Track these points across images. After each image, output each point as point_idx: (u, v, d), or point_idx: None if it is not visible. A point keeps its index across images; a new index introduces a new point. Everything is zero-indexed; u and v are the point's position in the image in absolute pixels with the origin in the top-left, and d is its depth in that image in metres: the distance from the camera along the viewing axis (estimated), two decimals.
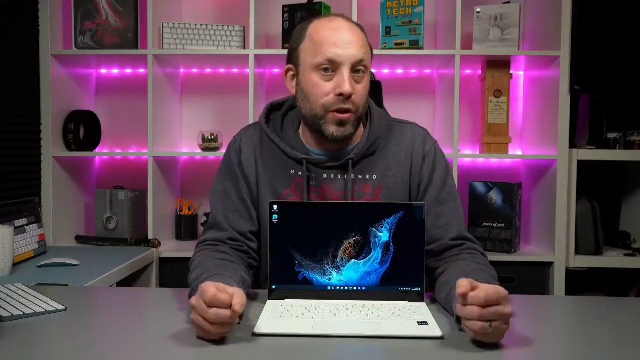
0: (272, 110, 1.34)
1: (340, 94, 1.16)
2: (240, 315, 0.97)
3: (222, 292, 0.88)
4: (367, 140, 1.25)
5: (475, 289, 0.87)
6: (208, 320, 0.87)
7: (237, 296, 0.89)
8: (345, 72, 1.16)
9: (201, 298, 0.87)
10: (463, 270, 1.08)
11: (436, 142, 1.31)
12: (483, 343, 0.88)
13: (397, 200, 1.25)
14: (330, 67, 1.17)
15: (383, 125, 1.29)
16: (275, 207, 1.10)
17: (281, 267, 1.10)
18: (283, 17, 2.27)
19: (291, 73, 1.26)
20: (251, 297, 1.15)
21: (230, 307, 0.86)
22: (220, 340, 0.89)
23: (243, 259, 1.21)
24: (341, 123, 1.18)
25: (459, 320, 0.95)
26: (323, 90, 1.18)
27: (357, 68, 1.18)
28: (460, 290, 0.85)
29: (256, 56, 2.21)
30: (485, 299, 0.83)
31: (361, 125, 1.29)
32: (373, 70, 1.49)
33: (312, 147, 1.27)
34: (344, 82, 1.15)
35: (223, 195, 1.28)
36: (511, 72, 2.30)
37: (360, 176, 1.25)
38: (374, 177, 1.25)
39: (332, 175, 1.25)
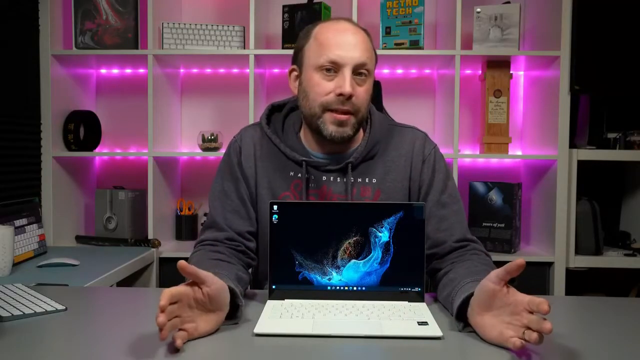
0: (273, 111, 1.35)
1: (340, 94, 1.16)
2: (236, 309, 0.97)
3: (198, 291, 0.89)
4: (367, 144, 1.25)
5: (505, 294, 0.87)
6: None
7: (217, 295, 0.90)
8: (347, 73, 1.16)
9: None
10: (470, 269, 1.08)
11: (436, 145, 1.31)
12: (484, 342, 0.88)
13: None
14: (333, 68, 1.17)
15: (383, 129, 1.29)
16: (275, 207, 1.10)
17: (281, 267, 1.10)
18: (283, 17, 2.27)
19: (295, 74, 1.27)
20: (251, 297, 1.15)
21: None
22: (210, 342, 0.89)
23: (240, 258, 1.21)
24: (340, 124, 1.18)
25: (459, 319, 0.95)
26: (324, 89, 1.18)
27: (359, 71, 1.18)
28: (544, 307, 0.80)
29: (256, 56, 2.21)
30: (529, 303, 0.83)
31: (361, 129, 1.30)
32: None
33: (313, 149, 1.28)
34: (345, 82, 1.16)
35: (222, 195, 1.28)
36: (511, 72, 2.30)
37: (359, 179, 1.25)
38: (374, 180, 1.26)
39: (332, 178, 1.25)
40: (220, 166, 1.32)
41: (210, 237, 1.23)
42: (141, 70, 2.51)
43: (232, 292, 0.96)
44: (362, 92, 1.19)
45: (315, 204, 1.18)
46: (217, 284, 0.92)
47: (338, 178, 1.25)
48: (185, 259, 1.09)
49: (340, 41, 1.17)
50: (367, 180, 1.25)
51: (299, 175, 1.25)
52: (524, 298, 0.85)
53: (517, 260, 0.84)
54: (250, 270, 1.26)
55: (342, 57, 1.16)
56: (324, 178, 1.25)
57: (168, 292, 0.84)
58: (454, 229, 1.22)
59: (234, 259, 1.18)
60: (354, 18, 2.14)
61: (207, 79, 2.56)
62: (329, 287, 1.09)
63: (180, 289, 0.88)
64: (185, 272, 0.87)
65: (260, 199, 1.27)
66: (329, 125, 1.19)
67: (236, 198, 1.27)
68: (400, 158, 1.27)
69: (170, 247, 2.30)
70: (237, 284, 1.04)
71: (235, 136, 1.33)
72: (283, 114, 1.32)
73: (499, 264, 1.19)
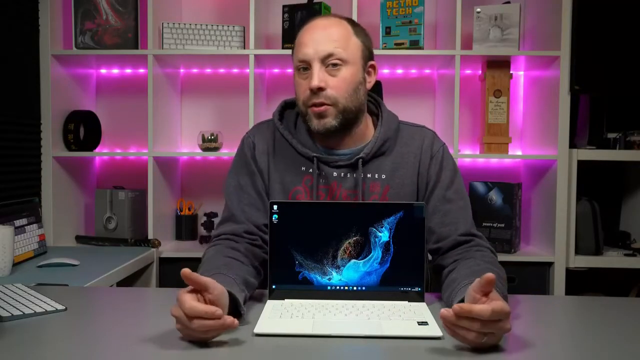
0: (286, 107, 1.37)
1: (311, 89, 1.19)
2: (239, 316, 0.97)
3: (200, 298, 0.90)
4: (378, 140, 1.27)
5: (484, 302, 0.86)
6: (194, 330, 0.86)
7: (217, 300, 0.91)
8: (315, 67, 1.20)
9: (180, 309, 0.87)
10: (471, 269, 1.08)
11: (444, 144, 1.33)
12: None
13: (405, 199, 1.25)
14: (306, 67, 1.22)
15: (393, 127, 1.30)
16: (275, 207, 1.10)
17: (281, 267, 1.10)
18: (283, 17, 2.27)
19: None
20: (251, 297, 1.15)
21: (212, 313, 0.85)
22: (210, 342, 0.89)
23: (256, 255, 1.21)
24: (319, 116, 1.21)
25: None
26: (301, 89, 1.23)
27: (330, 62, 1.20)
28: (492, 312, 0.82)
29: (256, 56, 2.21)
30: (490, 316, 0.82)
31: (371, 125, 1.32)
32: None
33: (323, 145, 1.29)
34: (312, 76, 1.19)
35: (238, 190, 1.29)
36: (511, 72, 2.30)
37: (369, 175, 1.27)
38: (383, 176, 1.27)
39: (342, 174, 1.26)
40: (234, 162, 1.34)
41: (227, 231, 1.23)
42: (141, 70, 2.51)
43: (236, 301, 0.98)
44: (337, 82, 1.20)
45: (315, 203, 1.19)
46: (217, 289, 0.93)
47: (348, 174, 1.26)
48: (185, 259, 1.10)
49: (307, 39, 1.22)
50: (376, 176, 1.27)
51: (311, 170, 1.27)
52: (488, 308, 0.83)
53: (486, 275, 0.85)
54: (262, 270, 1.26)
55: (307, 54, 1.20)
56: (335, 174, 1.26)
57: (188, 298, 0.87)
58: (458, 223, 1.23)
59: (247, 258, 1.17)
60: (354, 18, 2.14)
61: (207, 79, 2.56)
62: (329, 287, 1.09)
63: (186, 296, 0.88)
64: (188, 280, 0.89)
65: (272, 194, 1.28)
66: (313, 120, 1.22)
67: (253, 192, 1.28)
68: (410, 155, 1.29)
69: (170, 247, 2.29)
70: (244, 287, 1.05)
71: (248, 132, 1.36)
72: (295, 111, 1.34)
73: (499, 264, 1.19)
